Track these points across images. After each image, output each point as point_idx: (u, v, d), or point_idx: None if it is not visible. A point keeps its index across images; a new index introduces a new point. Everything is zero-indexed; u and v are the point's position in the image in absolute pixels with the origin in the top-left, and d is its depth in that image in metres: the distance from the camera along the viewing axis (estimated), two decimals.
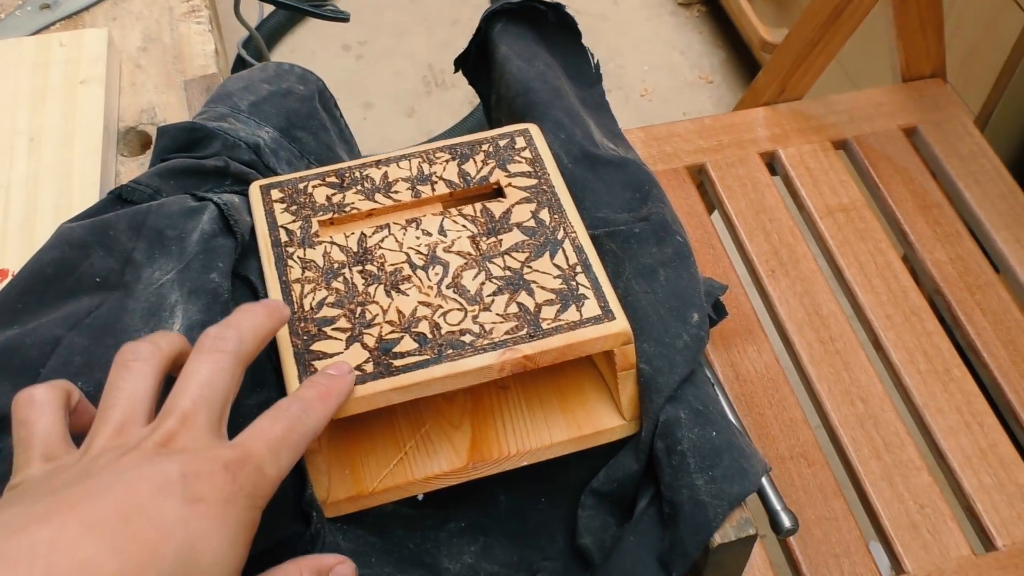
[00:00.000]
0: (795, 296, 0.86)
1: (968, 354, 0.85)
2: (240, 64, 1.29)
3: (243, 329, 0.38)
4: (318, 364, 0.45)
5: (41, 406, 0.36)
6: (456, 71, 0.65)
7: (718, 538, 0.44)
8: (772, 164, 0.97)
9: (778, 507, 0.52)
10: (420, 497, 0.49)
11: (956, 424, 0.79)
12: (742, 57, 1.80)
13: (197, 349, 0.37)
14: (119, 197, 0.50)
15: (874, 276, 0.88)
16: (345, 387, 0.42)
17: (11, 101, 0.55)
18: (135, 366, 0.36)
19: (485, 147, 0.54)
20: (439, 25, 1.85)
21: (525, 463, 0.48)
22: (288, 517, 0.43)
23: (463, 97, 1.74)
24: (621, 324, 0.46)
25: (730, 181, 0.94)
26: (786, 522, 0.52)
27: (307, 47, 1.79)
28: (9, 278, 0.50)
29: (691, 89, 1.78)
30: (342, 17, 0.70)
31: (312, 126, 0.59)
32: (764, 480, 0.53)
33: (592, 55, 0.63)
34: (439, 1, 1.88)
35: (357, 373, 0.44)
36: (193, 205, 0.49)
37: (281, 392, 0.46)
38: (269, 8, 1.76)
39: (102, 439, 0.34)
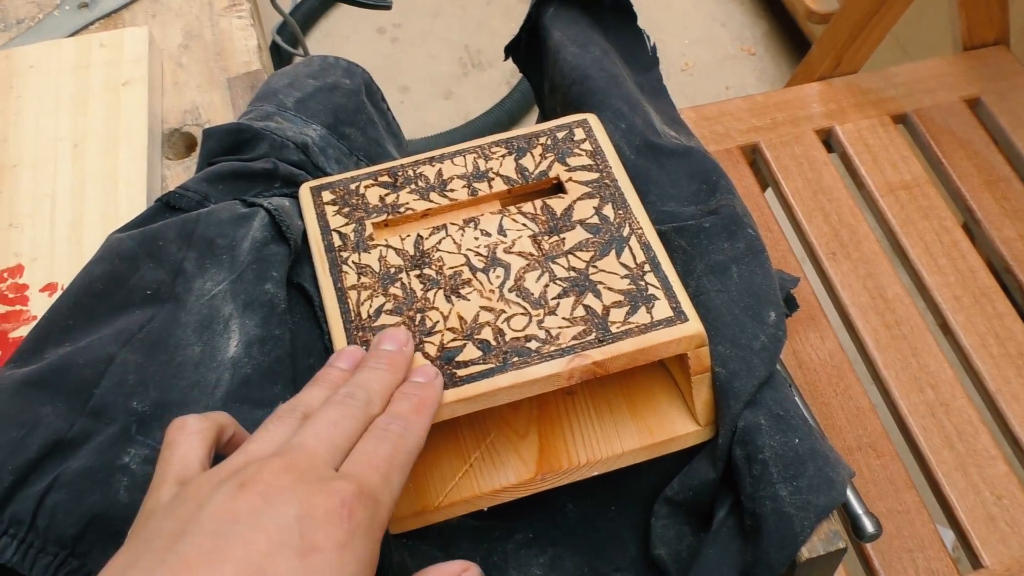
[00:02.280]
0: (858, 279, 0.83)
1: None
2: (275, 50, 1.27)
3: (372, 390, 0.39)
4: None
5: (189, 433, 0.37)
6: (506, 59, 0.62)
7: (805, 552, 0.41)
8: (829, 141, 0.93)
9: (860, 511, 0.50)
10: (486, 508, 0.47)
11: None
12: (785, 28, 1.75)
13: (328, 401, 0.38)
14: (167, 204, 0.48)
15: (940, 256, 0.84)
16: (436, 394, 0.41)
17: (53, 106, 0.54)
18: (286, 419, 0.37)
19: (543, 140, 0.52)
20: (474, 5, 1.82)
21: (596, 473, 0.46)
22: None
23: (500, 78, 1.71)
24: (694, 326, 0.44)
25: (785, 160, 0.90)
26: (869, 527, 0.49)
27: (341, 31, 1.77)
28: (58, 291, 0.48)
29: (733, 62, 1.73)
30: (384, 5, 0.68)
31: (360, 121, 0.57)
32: None
33: (648, 37, 0.60)
34: None
35: None
36: (243, 211, 0.48)
37: None
38: None
39: (231, 466, 0.35)
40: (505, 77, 1.71)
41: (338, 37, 1.77)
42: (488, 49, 1.75)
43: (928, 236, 0.85)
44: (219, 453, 0.38)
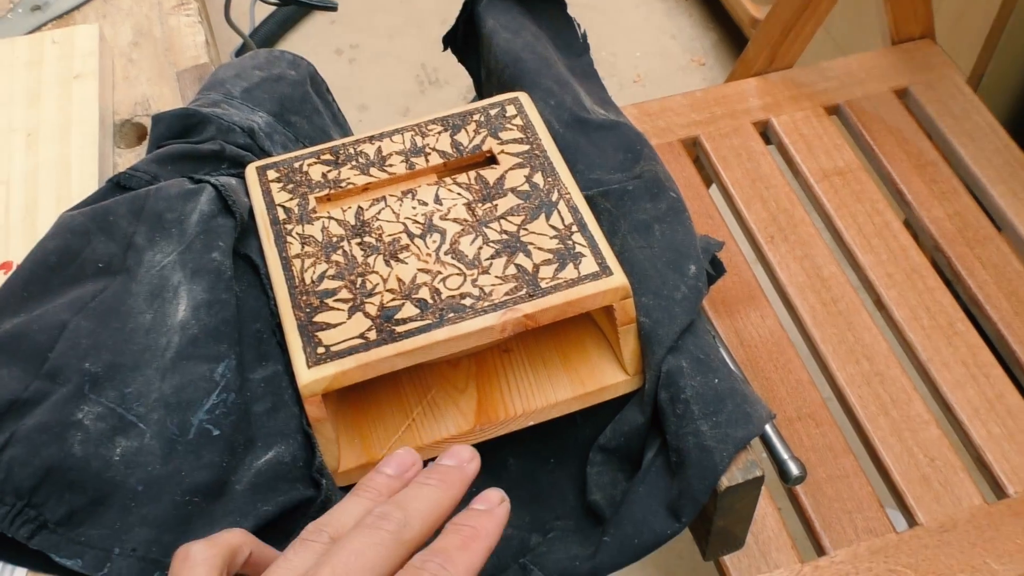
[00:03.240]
0: (795, 260, 0.87)
1: (971, 308, 0.85)
2: None
3: (411, 509, 0.34)
4: (321, 335, 0.45)
5: (194, 565, 0.34)
6: (445, 49, 0.65)
7: (725, 481, 0.44)
8: (766, 133, 0.97)
9: (785, 456, 0.53)
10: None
11: (962, 377, 0.79)
12: (733, 37, 1.80)
13: (360, 522, 0.34)
14: (118, 184, 0.51)
15: (873, 237, 0.88)
16: (495, 525, 0.35)
17: (7, 100, 0.56)
18: (312, 546, 0.34)
19: (476, 117, 0.55)
20: (430, 24, 1.86)
21: (531, 423, 0.49)
22: (300, 484, 0.44)
23: (457, 94, 1.74)
24: (619, 279, 0.46)
25: (725, 152, 0.94)
26: (794, 470, 0.52)
27: (300, 51, 1.79)
28: (12, 269, 0.50)
29: (684, 73, 1.78)
30: (331, 6, 0.71)
31: (305, 110, 0.60)
32: (770, 430, 0.54)
33: (579, 25, 0.64)
34: (429, 1, 1.89)
35: (361, 341, 0.45)
36: (191, 187, 0.50)
37: (287, 366, 0.46)
38: (260, 15, 1.77)
39: None
40: (461, 93, 1.74)
41: None
42: (444, 67, 1.79)
43: (861, 218, 0.89)
44: (240, 574, 0.36)
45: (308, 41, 1.82)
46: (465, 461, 0.37)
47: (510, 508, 0.37)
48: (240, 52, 1.46)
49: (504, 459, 0.51)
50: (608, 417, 0.50)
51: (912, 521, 0.72)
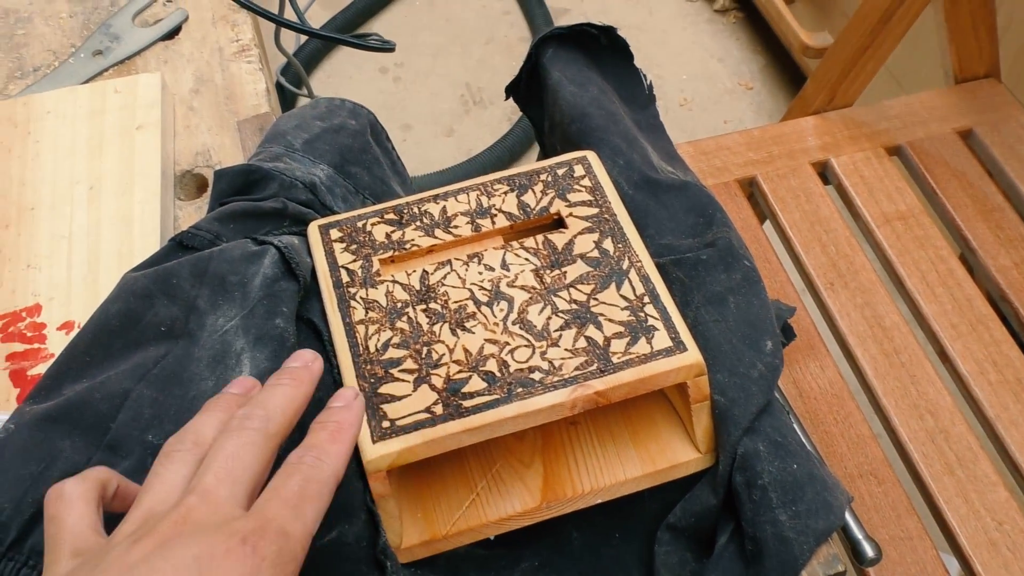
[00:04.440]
0: (856, 308, 0.84)
1: None
2: (279, 90, 1.30)
3: (271, 407, 0.37)
4: (386, 408, 0.44)
5: (70, 501, 0.35)
6: (507, 98, 0.64)
7: (805, 575, 0.42)
8: (825, 174, 0.95)
9: (860, 536, 0.51)
10: (492, 537, 0.48)
11: None
12: (782, 62, 1.78)
13: (225, 429, 0.36)
14: (180, 244, 0.50)
15: (936, 285, 0.85)
16: (355, 417, 0.39)
17: (69, 151, 0.55)
18: (177, 455, 0.36)
19: (543, 177, 0.53)
20: (474, 44, 1.85)
21: (600, 500, 0.47)
22: (364, 567, 0.43)
23: (502, 115, 1.73)
24: (694, 355, 0.45)
25: (782, 193, 0.92)
26: (869, 551, 0.50)
27: (344, 71, 1.80)
28: (75, 329, 0.49)
29: (731, 96, 1.76)
30: (388, 47, 0.70)
31: (365, 161, 0.59)
32: None
33: (645, 76, 0.62)
34: (473, 20, 1.89)
35: (427, 416, 0.43)
36: (254, 249, 0.49)
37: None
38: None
39: (129, 524, 0.33)
40: (506, 114, 1.73)
41: (341, 77, 1.80)
42: (489, 87, 1.78)
43: (924, 265, 0.86)
44: (107, 511, 0.37)
45: (353, 59, 1.82)
46: (309, 361, 0.40)
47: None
48: (284, 71, 1.45)
49: (568, 533, 0.49)
50: (676, 494, 0.48)
51: None
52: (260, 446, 0.36)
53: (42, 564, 0.40)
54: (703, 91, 1.77)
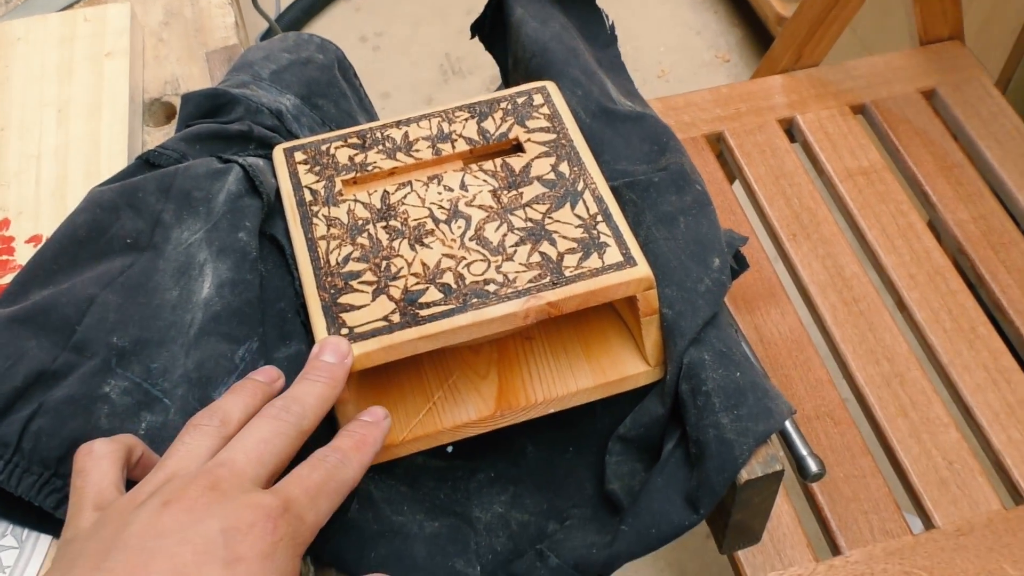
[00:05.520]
0: (817, 259, 0.86)
1: (993, 312, 0.85)
2: None
3: (307, 405, 0.40)
4: (345, 316, 0.45)
5: (99, 457, 0.38)
6: (472, 36, 0.65)
7: (745, 474, 0.44)
8: (791, 131, 0.97)
9: (804, 452, 0.52)
10: (449, 449, 0.50)
11: (983, 381, 0.78)
12: (759, 35, 1.79)
13: (260, 414, 0.39)
14: (147, 162, 0.51)
15: (896, 237, 0.87)
16: (380, 434, 0.42)
17: (39, 75, 0.56)
18: (204, 429, 0.38)
19: (503, 105, 0.55)
20: (454, 14, 1.86)
21: (552, 410, 0.49)
22: None
23: (480, 84, 1.74)
24: (643, 269, 0.46)
25: (749, 148, 0.94)
26: (813, 466, 0.52)
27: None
28: (43, 242, 0.51)
29: (708, 69, 1.77)
30: None
31: (332, 94, 0.60)
32: (789, 426, 0.53)
33: (607, 16, 0.64)
34: None
35: (384, 323, 0.45)
36: (219, 167, 0.50)
37: (311, 346, 0.47)
38: (287, 1, 1.78)
39: (152, 485, 0.35)
40: (485, 84, 1.74)
41: None
42: (468, 56, 1.79)
43: (885, 219, 0.89)
44: (128, 477, 0.39)
45: (333, 27, 1.83)
46: (344, 356, 0.42)
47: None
48: (266, 37, 1.46)
49: (523, 446, 0.51)
50: (627, 407, 0.50)
51: (929, 524, 0.72)
52: (291, 438, 0.38)
53: (7, 453, 0.41)
54: (681, 63, 1.78)
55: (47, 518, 0.42)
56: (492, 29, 0.64)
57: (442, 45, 1.81)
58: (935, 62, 1.00)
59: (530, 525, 0.49)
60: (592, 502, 0.50)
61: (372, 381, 0.49)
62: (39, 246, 0.48)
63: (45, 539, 0.42)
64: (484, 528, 0.48)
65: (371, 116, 0.65)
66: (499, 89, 0.57)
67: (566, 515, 0.49)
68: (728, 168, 0.96)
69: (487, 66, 1.75)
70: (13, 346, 0.43)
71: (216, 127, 0.53)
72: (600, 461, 0.50)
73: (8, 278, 0.49)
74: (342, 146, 0.53)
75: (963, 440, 0.76)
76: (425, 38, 1.82)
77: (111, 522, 0.34)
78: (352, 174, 0.52)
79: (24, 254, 0.50)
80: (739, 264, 0.56)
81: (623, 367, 0.49)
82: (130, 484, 0.38)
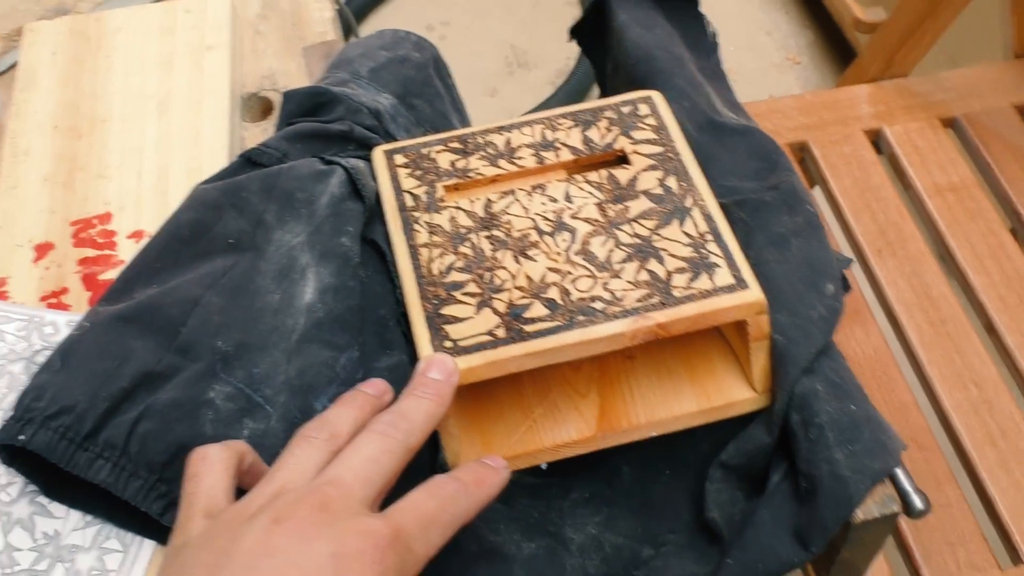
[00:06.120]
0: (903, 277, 0.84)
1: None
2: None
3: (415, 422, 0.39)
4: (448, 328, 0.44)
5: (212, 463, 0.37)
6: (570, 39, 0.64)
7: (860, 514, 0.42)
8: (877, 142, 0.94)
9: (909, 487, 0.50)
10: (544, 466, 0.49)
11: None
12: (831, 37, 1.75)
13: (369, 429, 0.38)
14: (249, 160, 0.50)
15: (986, 257, 0.85)
16: (500, 481, 0.40)
17: (139, 66, 0.56)
18: (314, 441, 0.37)
19: (608, 114, 0.53)
20: (522, 6, 1.84)
21: (654, 433, 0.47)
22: (420, 479, 0.43)
23: (545, 78, 1.73)
24: (755, 293, 0.45)
25: (834, 159, 0.91)
26: (918, 503, 0.50)
27: (390, 26, 1.79)
28: (144, 238, 0.50)
29: (777, 70, 1.74)
30: None
31: (428, 93, 0.59)
32: None
33: (709, 23, 0.62)
34: None
35: (489, 338, 0.44)
36: (322, 168, 0.49)
37: (412, 356, 0.46)
38: None
39: (261, 497, 0.35)
40: (550, 78, 1.72)
41: None
42: (533, 49, 1.77)
43: (974, 238, 0.86)
44: (239, 485, 0.38)
45: (399, 14, 1.82)
46: (451, 373, 0.42)
47: None
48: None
49: (618, 466, 0.50)
50: (727, 432, 0.48)
51: (1017, 558, 0.69)
52: (399, 456, 0.37)
53: (115, 455, 0.41)
54: (749, 63, 1.75)
55: (150, 522, 0.41)
56: (592, 32, 0.63)
57: (508, 36, 1.79)
58: None
59: (624, 549, 0.47)
60: (688, 528, 0.48)
61: (471, 394, 0.48)
62: (141, 243, 0.47)
63: (149, 543, 0.41)
64: (577, 549, 0.47)
65: (463, 116, 0.64)
66: (599, 96, 0.56)
67: (661, 540, 0.48)
68: (809, 175, 0.94)
69: (552, 59, 1.73)
70: (120, 345, 0.43)
71: (317, 126, 0.52)
72: (697, 486, 0.48)
73: (110, 273, 0.49)
74: (443, 150, 0.52)
75: None
76: (491, 29, 1.81)
77: (222, 533, 0.34)
78: (454, 180, 0.51)
79: (126, 249, 0.49)
80: (843, 286, 0.54)
81: (728, 392, 0.48)
82: (239, 491, 0.37)
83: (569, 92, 1.63)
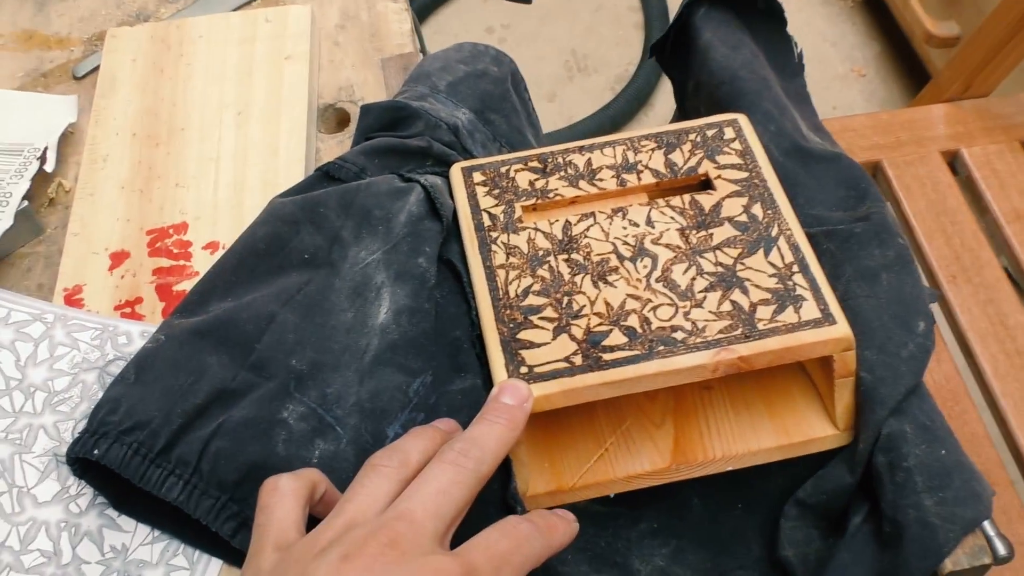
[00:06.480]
0: (978, 304, 0.81)
1: None
2: None
3: (487, 449, 0.38)
4: (524, 353, 0.44)
5: (283, 495, 0.37)
6: (650, 57, 0.63)
7: (949, 564, 0.41)
8: (954, 164, 0.91)
9: (992, 532, 0.49)
10: (612, 495, 0.48)
11: None
12: (898, 50, 1.72)
13: (439, 458, 0.37)
14: (326, 174, 0.50)
15: None
16: (571, 531, 0.40)
17: (219, 75, 0.56)
18: (383, 471, 0.37)
19: (692, 136, 0.52)
20: (583, 10, 1.83)
21: (730, 468, 0.46)
22: (493, 508, 0.43)
23: (605, 83, 1.71)
24: (843, 329, 0.43)
25: (908, 180, 0.89)
26: (1001, 549, 0.48)
27: (451, 29, 1.79)
28: (220, 250, 0.50)
29: (842, 83, 1.71)
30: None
31: (505, 109, 0.58)
32: None
33: (796, 44, 0.60)
34: None
35: (566, 365, 0.43)
36: (400, 186, 0.49)
37: (486, 380, 0.45)
38: None
39: (332, 531, 0.34)
40: (609, 83, 1.71)
41: (447, 34, 1.79)
42: (594, 54, 1.75)
43: None
44: (311, 514, 0.38)
45: (461, 16, 1.82)
46: (524, 400, 0.41)
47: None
48: None
49: (688, 498, 0.49)
50: (805, 470, 0.47)
51: None
52: (469, 486, 0.36)
53: (187, 473, 0.40)
54: (813, 75, 1.71)
55: (218, 540, 0.41)
56: (674, 50, 0.62)
57: (568, 41, 1.78)
58: None
59: None
60: (759, 566, 0.47)
61: (543, 421, 0.47)
62: (216, 254, 0.47)
63: (216, 562, 0.41)
64: None
65: (537, 131, 0.63)
66: (673, 118, 0.55)
67: None
68: (882, 196, 0.92)
69: (613, 65, 1.72)
70: (196, 361, 0.43)
71: (396, 142, 0.51)
72: (770, 522, 0.47)
73: (185, 284, 0.49)
74: (522, 169, 0.51)
75: None
76: (552, 33, 1.80)
77: (291, 568, 0.33)
78: (532, 200, 0.50)
79: (200, 260, 0.49)
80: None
81: (808, 428, 0.46)
82: (312, 520, 0.37)
83: (629, 99, 1.61)
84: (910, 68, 1.69)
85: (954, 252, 0.84)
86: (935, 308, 0.82)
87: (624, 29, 1.78)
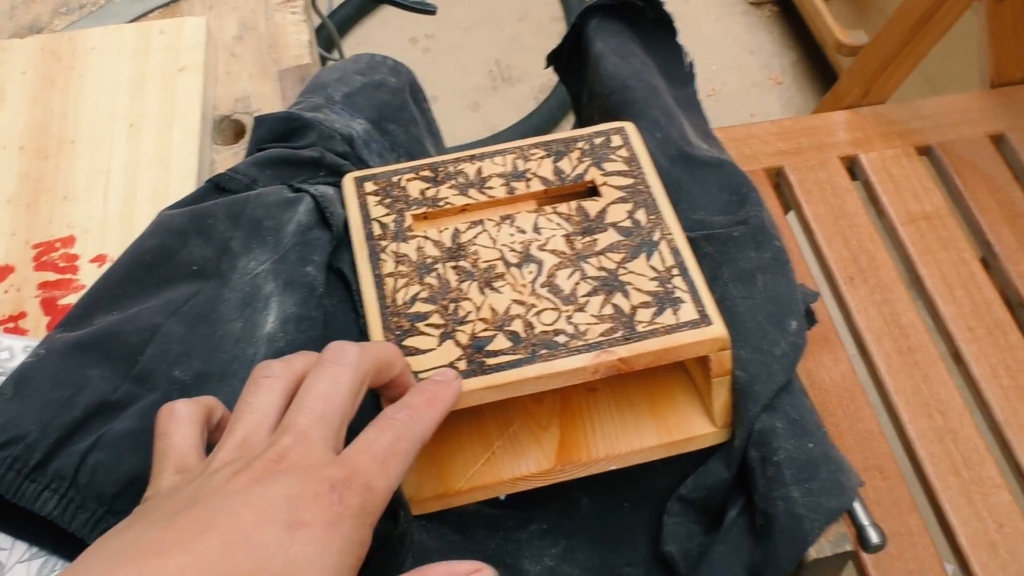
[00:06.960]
0: (874, 304, 0.84)
1: None
2: None
3: (366, 347, 0.38)
4: (410, 360, 0.45)
5: (180, 419, 0.37)
6: (547, 66, 0.64)
7: (813, 552, 0.43)
8: (853, 169, 0.95)
9: (866, 521, 0.51)
10: (503, 498, 0.49)
11: None
12: (814, 59, 1.77)
13: (317, 363, 0.38)
14: (217, 186, 0.50)
15: (956, 287, 0.85)
16: (452, 393, 0.41)
17: (112, 88, 0.56)
18: (265, 383, 0.37)
19: (580, 144, 0.53)
20: (506, 21, 1.84)
21: (614, 467, 0.48)
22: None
23: (528, 93, 1.73)
24: (719, 329, 0.45)
25: (809, 185, 0.92)
26: (874, 537, 0.50)
27: (375, 39, 1.80)
28: (108, 263, 0.50)
29: (760, 90, 1.75)
30: (429, 10, 0.70)
31: (403, 119, 0.59)
32: None
33: (687, 53, 0.62)
34: None
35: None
36: (289, 196, 0.49)
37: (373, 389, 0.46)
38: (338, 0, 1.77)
39: (225, 452, 0.35)
40: (533, 93, 1.73)
41: (371, 45, 1.80)
42: (518, 64, 1.77)
43: (945, 267, 0.86)
44: (209, 441, 0.38)
45: (385, 28, 1.82)
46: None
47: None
48: (317, 32, 1.46)
49: (577, 498, 0.50)
50: (687, 467, 0.48)
51: None
52: (351, 385, 0.37)
53: (63, 487, 0.40)
54: (732, 83, 1.76)
55: None
56: (569, 60, 0.63)
57: (492, 51, 1.80)
58: (1006, 106, 0.97)
59: None
60: (645, 562, 0.48)
61: None
62: (104, 267, 0.47)
63: None
64: None
65: (438, 141, 0.64)
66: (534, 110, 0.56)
67: (618, 573, 0.48)
68: (784, 200, 0.95)
69: (536, 75, 1.74)
70: (77, 374, 0.42)
71: (288, 152, 0.52)
72: (656, 519, 0.49)
73: (71, 297, 0.48)
74: (414, 178, 0.52)
75: (1015, 503, 0.74)
76: (475, 43, 1.81)
77: (188, 485, 0.34)
78: (423, 209, 0.51)
79: (88, 273, 0.49)
80: (808, 320, 0.54)
81: (689, 427, 0.48)
82: (210, 447, 0.37)
83: (552, 108, 1.63)
84: (824, 76, 1.74)
85: (852, 254, 0.88)
86: (832, 305, 0.85)
87: (548, 39, 1.80)
